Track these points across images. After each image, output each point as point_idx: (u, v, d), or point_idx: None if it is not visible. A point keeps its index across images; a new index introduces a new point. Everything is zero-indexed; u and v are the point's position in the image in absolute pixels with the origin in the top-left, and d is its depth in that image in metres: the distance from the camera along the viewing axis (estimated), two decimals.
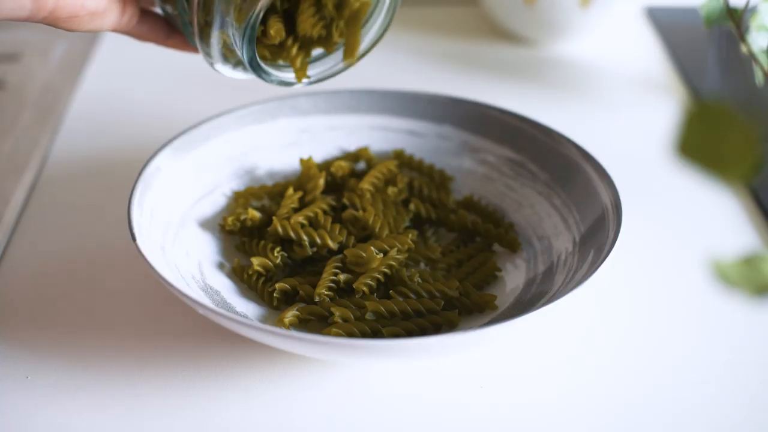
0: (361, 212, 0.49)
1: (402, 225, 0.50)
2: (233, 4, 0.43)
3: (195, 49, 0.49)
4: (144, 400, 0.42)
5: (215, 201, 0.52)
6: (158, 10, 0.48)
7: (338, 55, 0.48)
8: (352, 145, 0.56)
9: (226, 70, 0.47)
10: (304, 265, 0.49)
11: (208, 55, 0.45)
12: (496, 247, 0.51)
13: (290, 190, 0.51)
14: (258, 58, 0.45)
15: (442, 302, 0.46)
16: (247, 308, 0.46)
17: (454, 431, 0.41)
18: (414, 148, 0.56)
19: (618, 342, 0.46)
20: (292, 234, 0.48)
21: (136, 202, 0.46)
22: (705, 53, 0.73)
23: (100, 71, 0.71)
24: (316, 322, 0.45)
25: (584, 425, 0.41)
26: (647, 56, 0.74)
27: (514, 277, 0.49)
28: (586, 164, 0.50)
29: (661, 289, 0.49)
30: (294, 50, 0.47)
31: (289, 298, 0.47)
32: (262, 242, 0.49)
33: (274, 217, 0.49)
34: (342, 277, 0.46)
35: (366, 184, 0.51)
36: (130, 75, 0.70)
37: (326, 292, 0.45)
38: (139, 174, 0.48)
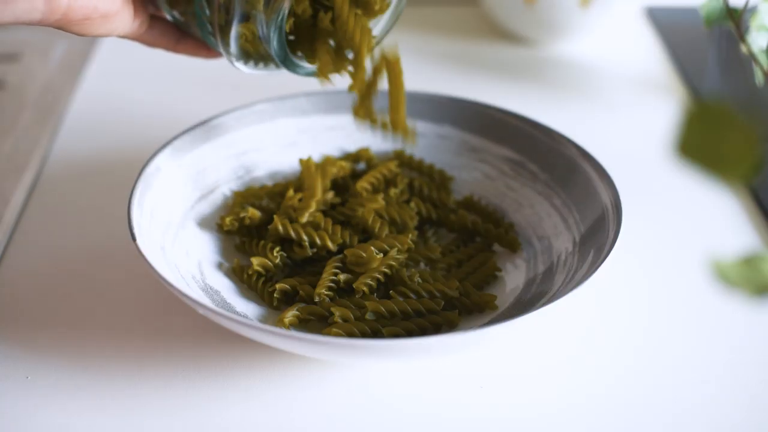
0: (360, 212, 0.49)
1: (413, 222, 0.50)
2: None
3: (205, 54, 0.49)
4: (144, 400, 0.42)
5: (215, 201, 0.52)
6: (167, 16, 0.48)
7: None
8: (352, 145, 0.56)
9: (245, 67, 0.47)
10: (304, 265, 0.49)
11: (227, 52, 0.46)
12: (496, 247, 0.51)
13: (290, 192, 0.51)
14: (288, 50, 0.45)
15: (442, 302, 0.46)
16: (247, 308, 0.46)
17: (454, 431, 0.41)
18: (414, 148, 0.56)
19: (618, 342, 0.46)
20: (292, 233, 0.48)
21: (136, 202, 0.46)
22: (705, 53, 0.73)
23: (100, 71, 0.71)
24: (316, 322, 0.45)
25: (584, 425, 0.41)
26: (647, 56, 0.74)
27: (514, 277, 0.49)
28: (586, 164, 0.50)
29: (661, 289, 0.49)
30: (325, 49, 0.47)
31: (289, 298, 0.47)
32: (262, 242, 0.49)
33: (275, 216, 0.49)
34: (342, 277, 0.46)
35: (364, 183, 0.51)
36: (130, 75, 0.70)
37: (326, 292, 0.45)
38: (139, 174, 0.48)
